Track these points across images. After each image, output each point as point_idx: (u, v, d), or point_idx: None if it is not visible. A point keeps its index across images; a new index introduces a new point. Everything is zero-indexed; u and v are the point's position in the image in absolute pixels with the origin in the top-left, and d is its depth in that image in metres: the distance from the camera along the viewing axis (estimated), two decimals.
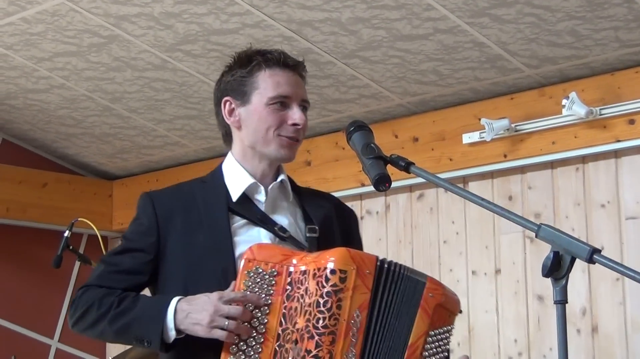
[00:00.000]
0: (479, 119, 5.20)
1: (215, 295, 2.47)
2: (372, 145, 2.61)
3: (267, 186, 2.74)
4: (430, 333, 2.48)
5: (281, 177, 2.77)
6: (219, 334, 2.43)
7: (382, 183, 2.50)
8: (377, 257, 2.48)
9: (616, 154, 4.95)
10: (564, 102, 4.87)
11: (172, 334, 2.50)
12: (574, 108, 4.85)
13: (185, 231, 2.68)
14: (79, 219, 5.12)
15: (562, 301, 2.21)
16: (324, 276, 2.42)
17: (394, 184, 2.57)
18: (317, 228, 2.72)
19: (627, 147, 4.86)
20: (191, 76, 5.53)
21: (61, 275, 6.59)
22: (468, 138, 5.28)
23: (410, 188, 5.59)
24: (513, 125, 5.12)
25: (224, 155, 6.43)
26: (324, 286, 2.41)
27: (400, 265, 2.51)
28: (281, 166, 2.80)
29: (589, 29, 4.62)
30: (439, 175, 2.67)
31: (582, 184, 5.06)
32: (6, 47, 5.44)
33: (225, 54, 5.23)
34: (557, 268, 2.22)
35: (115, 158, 6.73)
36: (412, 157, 2.57)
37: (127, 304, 2.59)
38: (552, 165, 5.16)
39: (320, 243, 2.65)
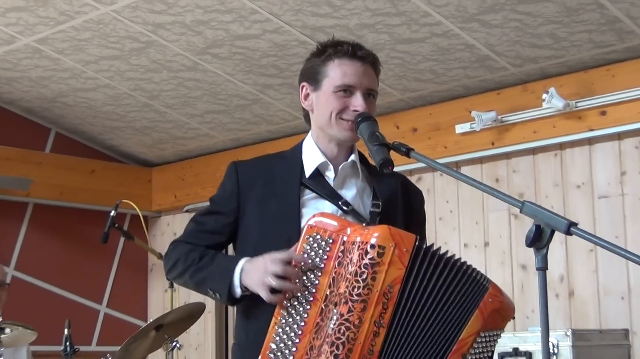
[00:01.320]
0: (470, 112, 5.18)
1: (268, 256, 2.44)
2: (377, 133, 2.58)
3: (337, 165, 2.68)
4: (481, 333, 2.44)
5: (352, 157, 2.70)
6: (264, 293, 2.40)
7: (385, 166, 2.47)
8: (416, 237, 2.42)
9: (590, 141, 4.93)
10: (544, 96, 4.86)
11: (238, 290, 2.49)
12: (552, 101, 4.84)
13: (261, 200, 2.65)
14: (123, 201, 5.12)
15: (543, 268, 2.19)
16: (365, 249, 2.37)
17: (395, 168, 2.55)
18: (380, 204, 2.66)
19: (599, 135, 4.85)
20: (219, 76, 5.52)
21: (108, 249, 6.59)
22: (460, 128, 5.27)
23: (410, 172, 5.56)
24: (499, 117, 5.10)
25: (248, 145, 6.46)
26: (363, 258, 2.36)
27: (439, 253, 2.43)
28: (354, 146, 2.74)
29: (566, 32, 4.60)
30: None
31: (559, 168, 5.04)
32: (58, 51, 5.44)
33: (248, 56, 5.24)
34: (538, 240, 2.20)
35: (153, 148, 6.74)
36: (411, 145, 2.55)
37: (206, 261, 2.59)
38: (533, 151, 5.14)
39: (382, 218, 2.59)
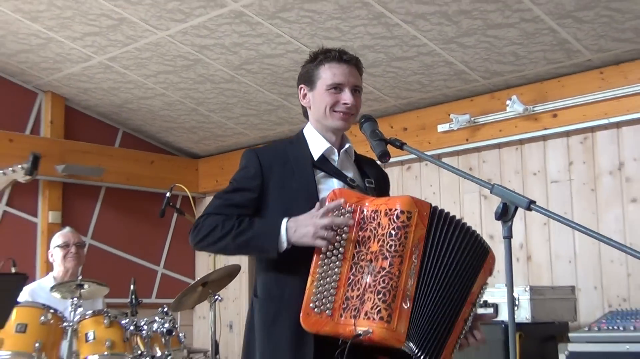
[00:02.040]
0: (449, 114, 5.18)
1: (314, 214, 2.41)
2: (377, 131, 2.59)
3: (338, 150, 2.68)
4: (483, 286, 2.50)
5: (347, 145, 2.70)
6: (320, 243, 2.37)
7: (384, 157, 2.48)
8: (430, 204, 2.44)
9: (544, 138, 4.93)
10: (508, 102, 4.87)
11: (284, 245, 2.43)
12: (514, 106, 4.85)
13: (281, 178, 2.59)
14: (176, 185, 5.13)
15: (508, 237, 2.20)
16: (395, 215, 2.35)
17: (391, 159, 2.56)
18: (373, 181, 2.68)
19: (551, 133, 4.86)
20: (250, 87, 5.52)
21: (164, 223, 6.66)
22: (441, 127, 5.26)
23: (402, 163, 5.57)
24: (472, 119, 5.11)
25: (275, 139, 6.44)
26: (394, 222, 2.35)
27: (450, 215, 2.48)
28: (345, 136, 2.73)
29: (525, 51, 4.59)
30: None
31: (520, 159, 5.04)
32: (124, 67, 5.46)
33: (274, 71, 5.25)
34: (505, 215, 2.21)
35: (199, 143, 6.75)
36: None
37: (246, 225, 2.50)
38: (499, 146, 5.14)
39: (376, 193, 2.61)
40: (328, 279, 2.39)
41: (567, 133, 4.81)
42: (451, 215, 2.48)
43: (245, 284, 6.48)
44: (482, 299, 2.56)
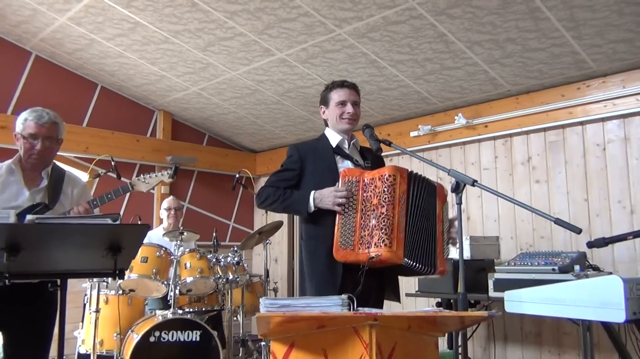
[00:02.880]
0: (417, 125, 5.10)
1: (332, 189, 2.45)
2: (374, 134, 2.56)
3: (349, 143, 2.69)
4: (443, 207, 2.45)
5: (353, 140, 2.72)
6: (337, 208, 2.41)
7: (378, 151, 2.49)
8: (407, 169, 2.45)
9: (479, 141, 4.84)
10: (456, 118, 4.78)
11: (311, 209, 2.50)
12: (460, 121, 4.76)
13: (313, 160, 2.64)
14: (242, 169, 5.15)
15: (459, 204, 2.16)
16: (385, 177, 2.37)
17: (382, 153, 2.54)
18: (370, 162, 2.67)
19: (484, 137, 4.75)
20: (290, 107, 5.47)
21: (234, 194, 6.64)
22: (412, 134, 5.18)
23: (387, 156, 5.50)
24: (433, 128, 5.02)
25: (305, 139, 6.34)
26: (385, 182, 2.37)
27: (418, 174, 2.47)
28: (353, 135, 2.73)
29: (468, 84, 4.50)
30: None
31: (463, 155, 4.95)
32: (210, 94, 5.43)
33: (305, 97, 5.18)
34: (458, 188, 2.17)
35: (257, 143, 6.69)
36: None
37: (288, 195, 2.58)
38: (449, 146, 5.05)
39: (372, 169, 2.59)
40: (348, 227, 2.41)
41: (494, 138, 4.73)
42: (418, 174, 2.46)
43: (285, 233, 6.46)
44: (448, 216, 2.52)
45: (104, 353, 4.29)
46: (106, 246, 2.16)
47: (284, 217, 6.26)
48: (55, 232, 2.01)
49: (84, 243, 2.11)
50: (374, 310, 1.66)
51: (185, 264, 4.30)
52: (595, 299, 1.87)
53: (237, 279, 4.52)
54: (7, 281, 2.01)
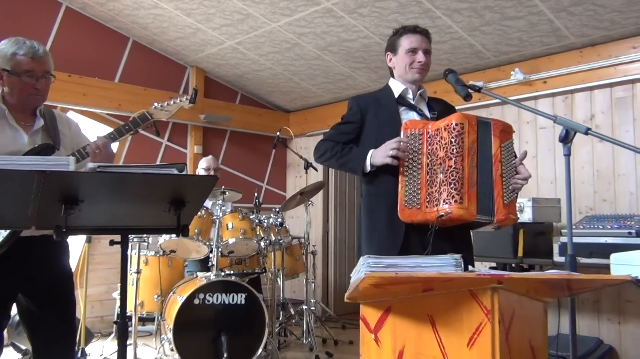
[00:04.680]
0: (468, 82, 4.77)
1: (387, 142, 2.23)
2: (459, 78, 2.30)
3: (414, 93, 2.43)
4: (501, 146, 2.18)
5: (421, 90, 2.45)
6: (389, 160, 2.19)
7: (468, 97, 2.23)
8: (477, 117, 2.18)
9: (536, 98, 4.52)
10: (512, 73, 4.48)
11: (368, 168, 2.29)
12: (517, 76, 4.47)
13: (375, 112, 2.39)
14: (283, 128, 4.92)
15: (568, 154, 1.92)
16: (451, 127, 2.12)
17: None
18: (436, 113, 2.40)
19: (542, 94, 4.44)
20: (330, 63, 5.18)
21: (266, 154, 6.43)
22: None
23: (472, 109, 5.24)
24: (485, 85, 4.71)
25: (344, 100, 6.10)
26: (452, 132, 2.12)
27: (484, 117, 2.21)
28: (421, 85, 2.46)
29: (528, 36, 4.19)
30: None
31: (517, 113, 4.67)
32: (246, 49, 5.15)
33: (348, 52, 4.89)
34: (567, 137, 1.92)
35: (291, 102, 6.43)
36: None
37: (346, 151, 2.37)
38: (502, 104, 4.73)
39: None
40: (413, 184, 2.19)
41: (553, 94, 4.42)
42: (485, 119, 2.20)
43: (320, 195, 6.25)
44: (511, 157, 2.22)
45: (144, 315, 4.17)
46: (169, 200, 1.95)
47: (321, 176, 6.05)
48: (118, 182, 1.80)
49: (147, 195, 1.89)
50: (491, 271, 1.43)
51: (227, 225, 4.12)
52: None
53: (281, 241, 4.33)
54: (65, 236, 1.81)
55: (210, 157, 4.88)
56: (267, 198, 6.45)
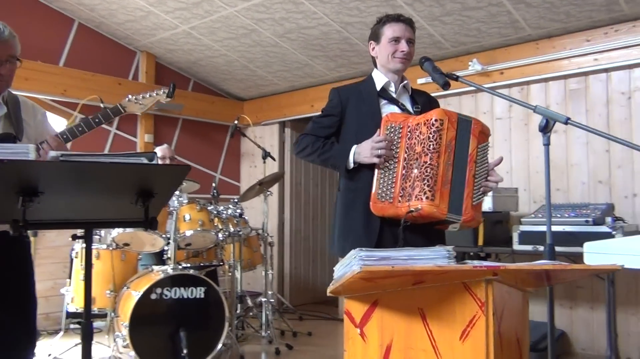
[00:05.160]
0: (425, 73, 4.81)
1: (370, 141, 2.18)
2: (437, 67, 2.26)
3: (397, 85, 2.37)
4: (478, 147, 2.16)
5: (404, 82, 2.40)
6: (375, 160, 2.14)
7: (446, 86, 2.19)
8: (458, 114, 2.15)
9: (493, 89, 4.57)
10: (470, 64, 4.50)
11: (351, 165, 2.24)
12: (475, 66, 4.49)
13: (356, 104, 2.34)
14: (241, 116, 4.79)
15: (547, 144, 1.92)
16: (431, 122, 2.09)
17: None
18: (420, 107, 2.37)
19: (499, 85, 4.48)
20: (288, 50, 5.07)
21: (219, 143, 6.25)
22: (420, 81, 4.87)
23: (446, 96, 5.23)
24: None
25: (301, 89, 6.02)
26: (431, 128, 2.09)
27: (465, 115, 2.18)
28: (404, 76, 2.41)
29: (487, 27, 4.22)
30: None
31: (475, 103, 4.73)
32: (200, 34, 4.97)
33: (306, 39, 4.80)
34: (547, 127, 1.92)
35: (245, 90, 6.27)
36: None
37: (328, 147, 2.31)
38: (460, 94, 4.77)
39: (421, 114, 2.29)
40: (388, 177, 2.16)
41: (510, 86, 4.49)
42: (465, 116, 2.18)
43: (275, 186, 6.15)
44: (485, 159, 2.20)
45: (96, 311, 3.97)
46: (137, 191, 1.83)
47: (277, 167, 5.95)
48: (83, 172, 1.66)
49: (113, 186, 1.76)
50: (484, 263, 1.41)
51: (185, 216, 3.97)
52: None
53: (240, 232, 4.23)
54: (24, 231, 1.66)
55: (165, 145, 4.69)
56: (221, 188, 6.29)
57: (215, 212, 4.12)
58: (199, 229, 3.93)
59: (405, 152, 2.14)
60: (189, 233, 3.90)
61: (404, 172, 2.12)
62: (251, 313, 4.91)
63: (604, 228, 3.25)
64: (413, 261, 1.41)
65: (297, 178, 6.37)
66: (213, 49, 5.22)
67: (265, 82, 5.90)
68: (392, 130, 2.17)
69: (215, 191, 4.29)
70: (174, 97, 2.62)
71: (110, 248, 3.98)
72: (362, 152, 2.19)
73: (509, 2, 3.82)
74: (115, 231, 3.78)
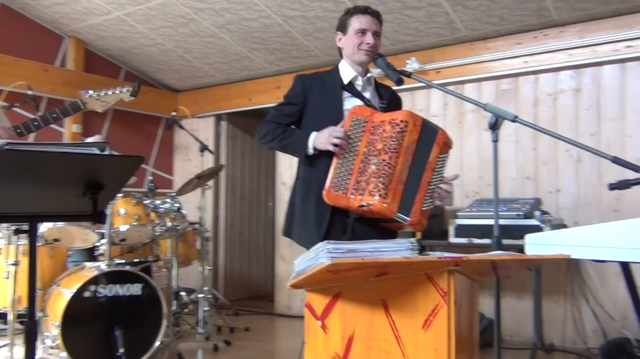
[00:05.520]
0: None
1: (330, 128, 2.20)
2: (390, 64, 2.31)
3: (362, 78, 2.40)
4: (438, 156, 2.22)
5: (369, 74, 2.43)
6: (330, 147, 2.17)
7: (400, 82, 2.25)
8: (424, 119, 2.20)
9: (429, 87, 4.72)
10: (408, 62, 4.60)
11: (310, 151, 2.25)
12: (413, 65, 4.59)
13: (318, 95, 2.34)
14: (179, 108, 4.65)
15: (496, 141, 2.00)
16: (396, 123, 2.13)
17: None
18: (386, 102, 2.40)
19: (435, 84, 4.62)
20: (227, 42, 4.99)
21: (151, 135, 6.05)
22: None
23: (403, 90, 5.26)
24: (380, 73, 4.82)
25: (239, 82, 5.94)
26: (395, 128, 2.13)
27: (431, 122, 2.24)
28: (368, 69, 2.43)
29: (425, 27, 4.33)
30: None
31: (412, 101, 4.83)
32: (135, 22, 4.79)
33: (247, 31, 4.73)
34: (496, 125, 2.00)
35: (180, 81, 6.10)
36: None
37: (288, 133, 2.32)
38: (397, 92, 4.88)
39: (385, 111, 2.33)
40: (345, 168, 2.19)
41: (445, 85, 4.63)
42: (431, 123, 2.25)
43: (215, 179, 6.04)
44: (442, 169, 2.28)
45: (23, 311, 3.75)
46: (86, 183, 1.74)
47: (211, 160, 5.84)
48: (28, 163, 1.56)
49: (61, 177, 1.67)
50: (446, 254, 1.46)
51: (119, 210, 3.82)
52: (637, 241, 1.81)
53: (178, 227, 4.12)
54: None
55: (97, 136, 4.46)
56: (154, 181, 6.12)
57: (151, 206, 4.00)
58: (134, 224, 3.80)
59: (366, 147, 2.17)
60: (124, 227, 3.76)
61: (361, 165, 2.16)
62: (187, 310, 4.81)
63: (534, 221, 3.44)
64: (379, 253, 1.43)
65: (233, 172, 6.29)
66: (148, 37, 5.04)
67: (202, 74, 5.78)
68: (357, 122, 2.20)
69: (151, 184, 4.15)
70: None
71: (39, 244, 3.77)
72: (320, 138, 2.22)
73: (447, 3, 3.95)
74: (45, 226, 3.58)
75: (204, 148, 4.69)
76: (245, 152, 6.49)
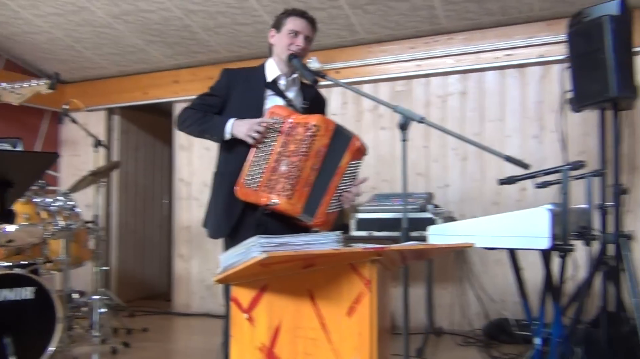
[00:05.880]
0: None
1: (252, 120, 2.25)
2: (306, 65, 2.39)
3: (287, 78, 2.44)
4: (350, 162, 2.32)
5: (294, 75, 2.47)
6: (249, 139, 2.23)
7: (316, 82, 2.36)
8: (335, 122, 2.29)
9: (328, 87, 4.85)
10: (309, 61, 4.70)
11: (227, 135, 2.30)
12: (314, 64, 4.70)
13: (241, 91, 2.38)
14: (71, 101, 4.39)
15: (405, 139, 2.15)
16: (308, 126, 2.21)
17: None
18: (308, 103, 2.46)
19: (334, 84, 4.78)
20: (123, 32, 4.79)
21: (35, 128, 5.64)
22: None
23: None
24: None
25: (133, 74, 5.72)
26: (307, 131, 2.22)
27: (345, 127, 2.33)
28: (295, 70, 2.47)
29: (326, 27, 4.45)
30: None
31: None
32: (19, 7, 4.45)
33: (145, 23, 4.59)
34: (405, 125, 2.15)
35: (69, 72, 5.72)
36: None
37: (207, 119, 2.36)
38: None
39: (308, 111, 2.40)
40: (259, 165, 2.27)
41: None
42: (345, 128, 2.37)
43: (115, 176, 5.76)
44: (354, 175, 2.38)
45: None
46: None
47: (103, 156, 5.58)
48: None
49: None
50: (369, 245, 1.57)
51: None
52: (524, 230, 2.05)
53: (71, 226, 3.91)
54: None
55: None
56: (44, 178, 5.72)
57: (42, 205, 3.77)
58: (24, 223, 3.56)
59: (281, 147, 2.25)
60: (12, 228, 3.51)
61: (274, 164, 2.23)
62: (79, 313, 4.58)
63: (427, 214, 3.70)
64: (309, 246, 1.51)
65: (126, 168, 6.05)
66: (33, 23, 4.71)
67: (92, 65, 5.49)
68: (274, 122, 2.26)
69: (42, 182, 3.90)
70: None
71: None
72: (240, 126, 2.26)
73: (348, 6, 4.11)
74: None
75: (98, 143, 4.48)
76: (139, 147, 6.27)
